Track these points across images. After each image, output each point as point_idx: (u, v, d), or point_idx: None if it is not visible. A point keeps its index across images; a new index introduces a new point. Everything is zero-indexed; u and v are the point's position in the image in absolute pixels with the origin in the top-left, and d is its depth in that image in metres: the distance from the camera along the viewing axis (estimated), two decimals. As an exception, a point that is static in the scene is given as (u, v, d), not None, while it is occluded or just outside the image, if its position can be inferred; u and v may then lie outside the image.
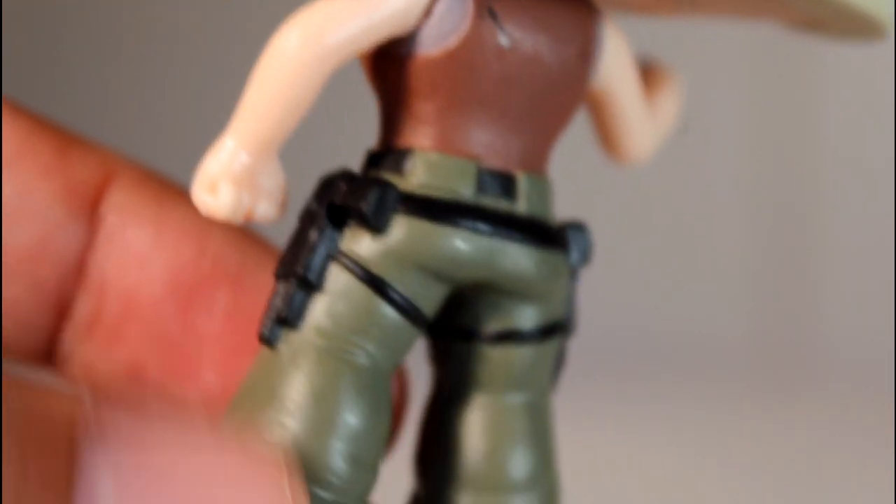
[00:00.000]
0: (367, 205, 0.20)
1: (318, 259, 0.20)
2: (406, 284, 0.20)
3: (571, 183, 0.75)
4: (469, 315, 0.21)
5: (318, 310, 0.19)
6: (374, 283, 0.20)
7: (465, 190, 0.20)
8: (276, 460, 0.17)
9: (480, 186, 0.20)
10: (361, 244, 0.20)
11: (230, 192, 0.21)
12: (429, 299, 0.20)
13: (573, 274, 0.21)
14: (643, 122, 0.22)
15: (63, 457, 0.16)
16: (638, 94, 0.22)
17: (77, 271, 0.24)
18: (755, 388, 0.69)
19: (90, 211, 0.24)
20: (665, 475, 0.56)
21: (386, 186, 0.20)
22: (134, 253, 0.24)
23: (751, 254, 0.76)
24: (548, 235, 0.21)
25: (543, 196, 0.21)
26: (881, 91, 0.70)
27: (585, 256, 0.21)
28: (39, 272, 0.24)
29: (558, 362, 0.22)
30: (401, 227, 0.20)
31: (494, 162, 0.20)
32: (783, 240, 0.76)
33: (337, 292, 0.20)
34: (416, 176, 0.20)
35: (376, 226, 0.20)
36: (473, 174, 0.20)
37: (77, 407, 0.16)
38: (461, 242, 0.20)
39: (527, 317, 0.21)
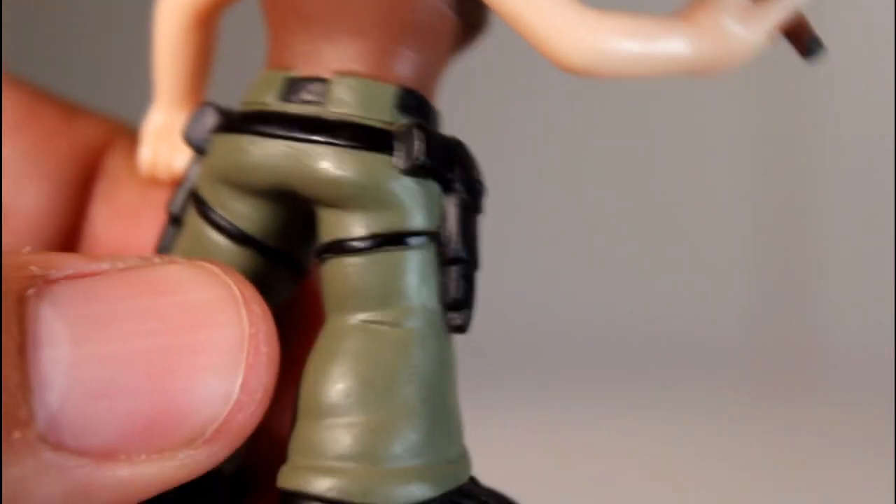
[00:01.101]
0: (186, 127, 0.20)
1: (180, 194, 0.21)
2: (223, 204, 0.20)
3: (571, 182, 0.75)
4: (316, 233, 0.20)
5: (178, 247, 0.20)
6: (200, 206, 0.20)
7: (270, 99, 0.20)
8: (236, 293, 0.18)
9: (285, 94, 0.19)
10: (199, 171, 0.20)
11: (145, 149, 0.23)
12: (251, 219, 0.20)
13: (411, 174, 0.19)
14: (553, 13, 0.19)
15: (13, 315, 0.16)
16: None
17: (74, 232, 0.25)
18: (754, 386, 0.70)
19: (91, 173, 0.25)
20: (664, 473, 0.56)
21: (204, 107, 0.20)
22: (125, 211, 0.25)
23: (750, 253, 0.76)
24: (361, 137, 0.19)
25: (367, 98, 0.19)
26: (881, 90, 0.69)
27: (409, 156, 0.19)
28: (41, 233, 0.24)
29: (451, 285, 0.19)
30: (213, 146, 0.20)
31: (306, 69, 0.20)
32: (783, 240, 0.76)
33: (186, 224, 0.20)
34: (244, 95, 0.20)
35: (193, 146, 0.20)
36: (279, 83, 0.20)
37: (25, 268, 0.17)
38: (250, 147, 0.19)
39: (352, 226, 0.19)
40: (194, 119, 0.20)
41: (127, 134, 0.25)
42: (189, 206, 0.20)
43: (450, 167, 0.20)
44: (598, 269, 0.75)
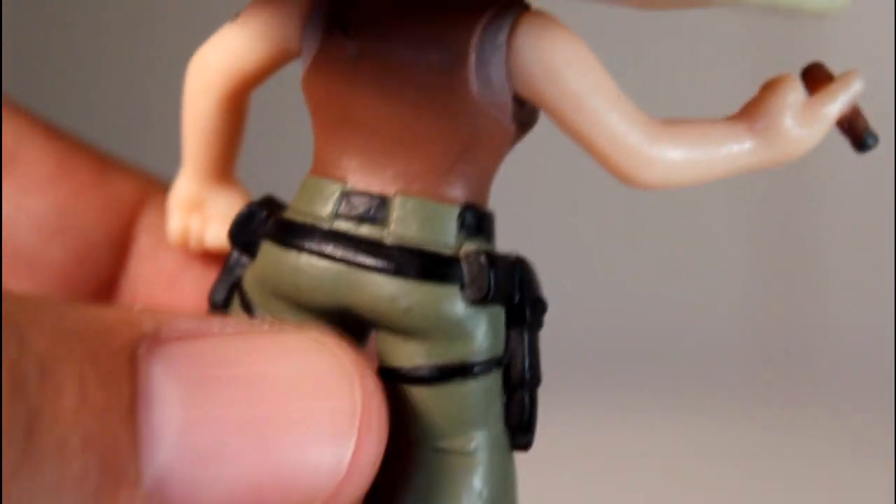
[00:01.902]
0: (233, 229, 0.20)
1: (222, 284, 0.20)
2: (274, 314, 0.19)
3: (571, 182, 0.75)
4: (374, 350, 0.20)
5: None
6: (248, 310, 0.20)
7: (323, 211, 0.19)
8: (348, 365, 0.17)
9: (340, 209, 0.19)
10: (244, 269, 0.20)
11: (175, 220, 0.22)
12: None
13: (480, 306, 0.19)
14: (621, 135, 0.19)
15: (124, 373, 0.16)
16: (601, 101, 0.19)
17: (109, 290, 0.25)
18: (754, 386, 0.69)
19: (125, 231, 0.25)
20: (664, 473, 0.56)
21: (251, 210, 0.20)
22: (164, 273, 0.24)
23: (751, 255, 0.76)
24: (428, 267, 0.19)
25: (430, 221, 0.19)
26: (882, 90, 0.70)
27: (479, 288, 0.19)
28: (73, 290, 0.24)
29: (516, 409, 0.19)
30: (261, 252, 0.19)
31: (362, 183, 0.19)
32: (783, 240, 0.76)
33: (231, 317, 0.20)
34: (294, 200, 0.19)
35: (241, 247, 0.20)
36: (335, 196, 0.19)
37: (137, 325, 0.17)
38: (303, 266, 0.19)
39: (415, 356, 0.19)
40: (241, 221, 0.20)
41: (161, 190, 0.25)
42: (234, 300, 0.20)
43: (515, 289, 0.19)
44: (598, 268, 0.76)
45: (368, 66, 0.19)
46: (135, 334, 0.16)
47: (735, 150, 0.19)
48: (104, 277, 0.24)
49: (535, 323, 0.19)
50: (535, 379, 0.19)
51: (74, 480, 0.15)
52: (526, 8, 0.19)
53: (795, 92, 0.20)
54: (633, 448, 0.59)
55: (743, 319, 0.75)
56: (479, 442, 0.19)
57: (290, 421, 0.17)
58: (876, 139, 0.20)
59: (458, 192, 0.19)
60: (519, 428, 0.19)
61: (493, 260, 0.19)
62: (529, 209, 0.77)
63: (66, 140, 0.24)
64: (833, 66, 0.20)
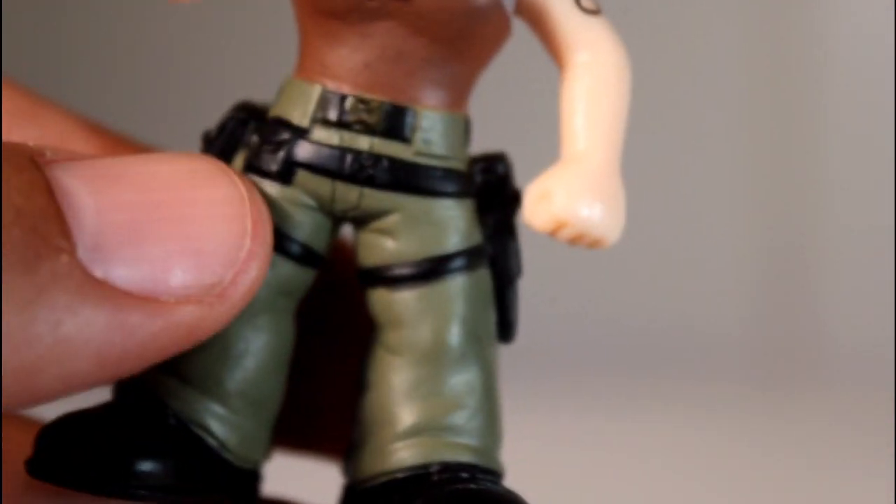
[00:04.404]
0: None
1: None
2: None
3: None
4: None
5: None
6: None
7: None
8: (224, 166, 0.19)
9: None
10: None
11: None
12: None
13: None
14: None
15: (34, 167, 0.18)
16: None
17: None
18: (755, 386, 0.69)
19: None
20: (664, 473, 0.56)
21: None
22: None
23: (750, 252, 0.76)
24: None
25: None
26: (882, 90, 0.70)
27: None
28: None
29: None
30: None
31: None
32: (783, 238, 0.76)
33: None
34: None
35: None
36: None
37: (26, 147, 0.18)
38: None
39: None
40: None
41: None
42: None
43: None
44: (598, 268, 0.75)
45: None
46: (26, 150, 0.18)
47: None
48: None
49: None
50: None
51: (16, 248, 0.17)
52: None
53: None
54: (633, 448, 0.59)
55: (743, 319, 0.75)
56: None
57: (190, 203, 0.19)
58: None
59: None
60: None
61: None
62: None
63: (111, 137, 0.25)
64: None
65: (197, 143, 0.22)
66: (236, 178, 0.19)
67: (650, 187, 0.74)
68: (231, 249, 0.19)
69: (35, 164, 0.18)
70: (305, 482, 0.27)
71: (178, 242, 0.18)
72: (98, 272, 0.17)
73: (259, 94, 0.22)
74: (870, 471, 0.55)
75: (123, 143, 0.25)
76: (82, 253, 0.17)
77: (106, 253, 0.18)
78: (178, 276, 0.18)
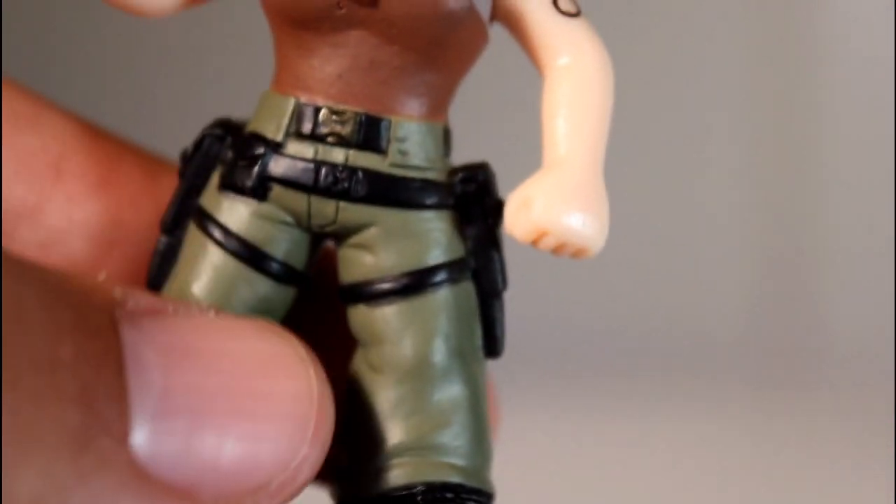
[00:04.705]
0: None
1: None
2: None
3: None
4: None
5: None
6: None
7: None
8: (302, 353, 0.18)
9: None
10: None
11: None
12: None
13: None
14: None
15: (110, 330, 0.16)
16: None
17: None
18: (755, 385, 0.69)
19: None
20: (663, 473, 0.56)
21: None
22: None
23: (750, 251, 0.75)
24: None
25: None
26: (882, 90, 0.69)
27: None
28: None
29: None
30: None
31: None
32: (783, 237, 0.75)
33: None
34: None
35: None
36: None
37: (109, 291, 0.17)
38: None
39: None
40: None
41: None
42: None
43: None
44: (598, 268, 0.75)
45: None
46: (109, 297, 0.17)
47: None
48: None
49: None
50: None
51: (69, 427, 0.15)
52: None
53: None
54: (633, 448, 0.59)
55: (743, 318, 0.75)
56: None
57: (257, 396, 0.17)
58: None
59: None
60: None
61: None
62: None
63: (113, 144, 0.24)
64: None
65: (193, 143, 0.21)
66: (311, 370, 0.18)
67: (650, 187, 0.74)
68: (287, 454, 0.17)
69: (113, 324, 0.16)
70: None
71: (235, 440, 0.17)
72: (145, 452, 0.16)
73: (252, 96, 0.22)
74: (870, 470, 0.55)
75: (124, 151, 0.24)
76: (135, 436, 0.16)
77: (160, 436, 0.16)
78: (226, 477, 0.17)
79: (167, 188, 0.23)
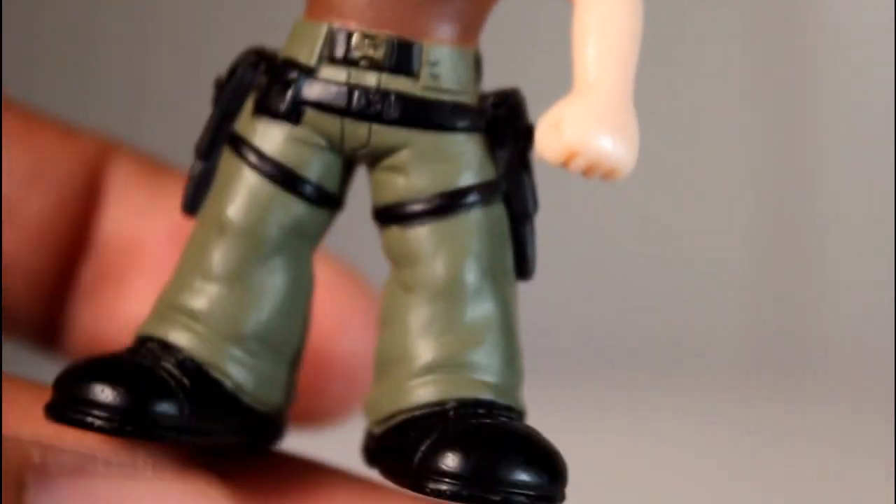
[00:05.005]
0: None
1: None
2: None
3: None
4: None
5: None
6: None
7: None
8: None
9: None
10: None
11: None
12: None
13: None
14: None
15: (12, 497, 0.16)
16: None
17: (83, 237, 0.26)
18: (755, 385, 0.69)
19: (95, 178, 0.26)
20: (663, 473, 0.56)
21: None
22: (134, 208, 0.26)
23: (750, 251, 0.75)
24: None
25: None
26: (882, 89, 0.69)
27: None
28: (53, 234, 0.26)
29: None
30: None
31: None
32: (783, 237, 0.75)
33: None
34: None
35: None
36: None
37: (26, 454, 0.17)
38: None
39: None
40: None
41: (125, 147, 0.27)
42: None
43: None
44: (598, 268, 0.75)
45: None
46: (23, 462, 0.17)
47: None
48: (78, 223, 0.26)
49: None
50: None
51: None
52: None
53: None
54: (633, 447, 0.59)
55: (742, 318, 0.74)
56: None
57: None
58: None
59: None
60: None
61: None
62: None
63: (27, 108, 0.26)
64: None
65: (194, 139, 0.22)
66: None
67: (649, 186, 0.73)
68: None
69: (21, 488, 0.16)
70: (323, 438, 0.27)
71: None
72: None
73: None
74: (870, 470, 0.55)
75: (44, 116, 0.26)
76: None
77: None
78: None
79: (82, 138, 0.26)
